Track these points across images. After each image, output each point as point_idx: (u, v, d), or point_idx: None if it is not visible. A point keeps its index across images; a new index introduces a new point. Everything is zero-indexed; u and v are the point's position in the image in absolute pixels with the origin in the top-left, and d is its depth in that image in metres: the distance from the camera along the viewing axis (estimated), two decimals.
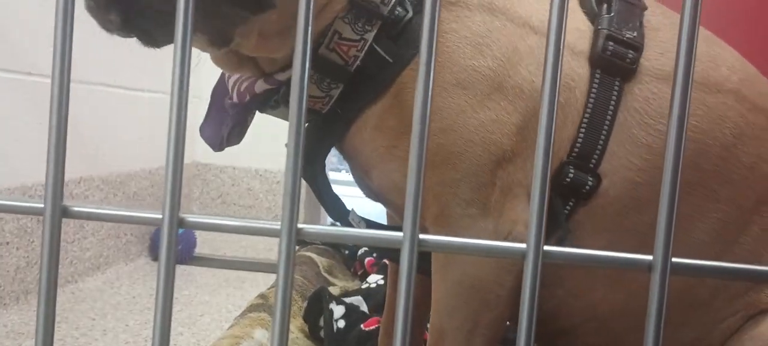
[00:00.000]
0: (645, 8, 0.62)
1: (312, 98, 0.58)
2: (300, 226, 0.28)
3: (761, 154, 0.60)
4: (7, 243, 1.22)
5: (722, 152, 0.59)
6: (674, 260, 0.27)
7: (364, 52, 0.55)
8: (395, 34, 0.56)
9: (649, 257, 0.27)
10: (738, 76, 0.61)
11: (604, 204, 0.58)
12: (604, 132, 0.57)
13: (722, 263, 0.27)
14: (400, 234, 0.28)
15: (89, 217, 0.29)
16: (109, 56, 1.44)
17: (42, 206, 0.29)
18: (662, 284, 0.27)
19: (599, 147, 0.57)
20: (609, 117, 0.57)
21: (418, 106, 0.27)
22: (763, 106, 0.62)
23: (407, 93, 0.56)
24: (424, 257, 0.56)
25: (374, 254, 1.28)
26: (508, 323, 0.63)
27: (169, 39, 0.49)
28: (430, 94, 0.27)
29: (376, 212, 0.71)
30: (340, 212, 0.66)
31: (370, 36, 0.55)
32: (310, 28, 0.27)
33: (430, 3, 0.26)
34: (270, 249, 1.86)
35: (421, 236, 0.28)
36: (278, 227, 0.28)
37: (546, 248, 0.27)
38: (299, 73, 0.27)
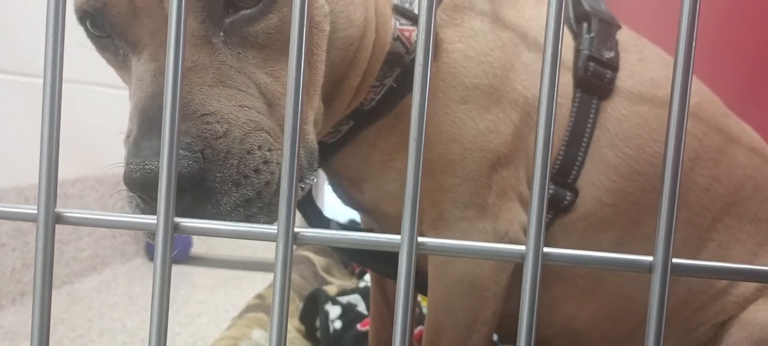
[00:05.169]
0: (619, 27, 0.63)
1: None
2: (297, 230, 0.28)
3: (716, 175, 0.61)
4: (3, 245, 1.22)
5: (681, 176, 0.60)
6: (674, 260, 0.26)
7: (380, 94, 0.56)
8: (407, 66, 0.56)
9: (650, 258, 0.27)
10: (695, 99, 0.63)
11: (575, 219, 0.60)
12: (582, 149, 0.58)
13: (722, 263, 0.27)
14: (398, 237, 0.27)
15: (82, 223, 0.29)
16: None
17: (35, 212, 0.29)
18: (663, 284, 0.26)
19: (577, 163, 0.58)
20: (587, 135, 0.58)
21: (415, 104, 0.27)
22: (718, 127, 0.63)
23: (408, 113, 0.56)
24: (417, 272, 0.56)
25: None
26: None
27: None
28: (426, 92, 0.27)
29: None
30: (320, 223, 0.66)
31: (389, 81, 0.56)
32: (304, 29, 0.26)
33: (426, 8, 0.26)
34: (268, 248, 1.86)
35: (420, 239, 0.27)
36: (275, 231, 0.28)
37: (545, 249, 0.27)
38: (294, 75, 0.27)
